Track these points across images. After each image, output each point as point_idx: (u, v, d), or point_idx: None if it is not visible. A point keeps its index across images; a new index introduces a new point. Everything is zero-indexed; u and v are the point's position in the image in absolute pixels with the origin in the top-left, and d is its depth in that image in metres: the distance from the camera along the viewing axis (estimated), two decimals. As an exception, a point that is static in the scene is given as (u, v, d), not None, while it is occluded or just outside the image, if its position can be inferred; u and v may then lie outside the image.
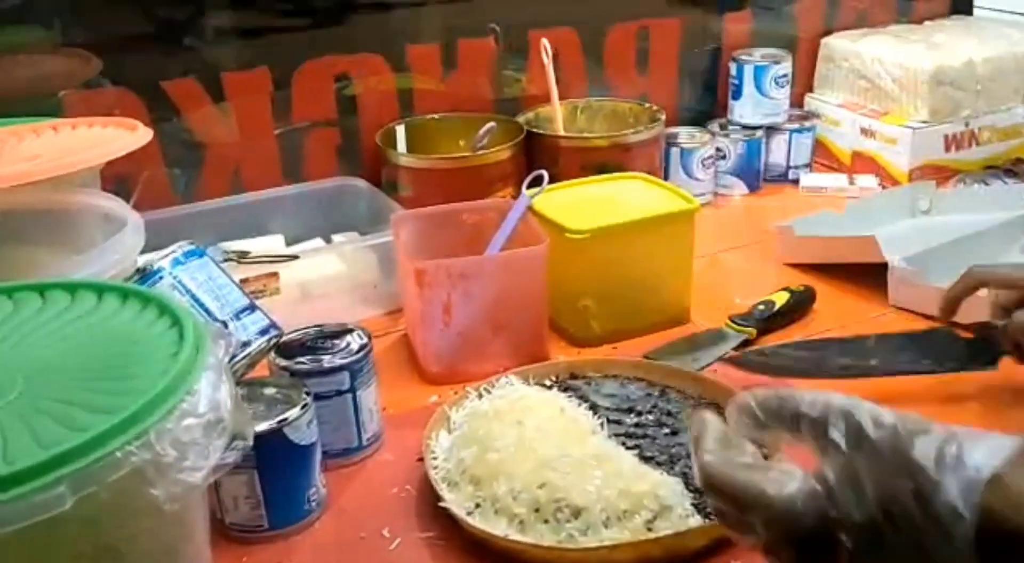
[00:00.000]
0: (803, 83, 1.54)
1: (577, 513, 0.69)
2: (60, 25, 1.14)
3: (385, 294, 1.08)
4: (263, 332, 0.80)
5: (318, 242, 1.18)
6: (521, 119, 1.29)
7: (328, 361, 0.80)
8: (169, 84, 1.17)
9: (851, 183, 1.41)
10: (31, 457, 0.45)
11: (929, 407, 0.85)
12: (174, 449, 0.49)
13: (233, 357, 0.74)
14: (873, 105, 1.46)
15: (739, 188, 1.42)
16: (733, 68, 1.43)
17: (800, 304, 1.06)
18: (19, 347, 0.57)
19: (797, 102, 1.52)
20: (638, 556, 0.69)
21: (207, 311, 0.77)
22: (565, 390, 0.87)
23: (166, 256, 0.78)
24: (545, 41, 1.29)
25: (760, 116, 1.42)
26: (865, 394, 0.47)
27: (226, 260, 1.00)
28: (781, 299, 1.05)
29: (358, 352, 0.81)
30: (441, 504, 0.73)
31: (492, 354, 0.95)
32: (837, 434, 0.45)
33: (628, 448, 0.78)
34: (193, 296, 0.77)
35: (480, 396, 0.85)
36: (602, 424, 0.80)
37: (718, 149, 1.39)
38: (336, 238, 1.18)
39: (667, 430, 0.82)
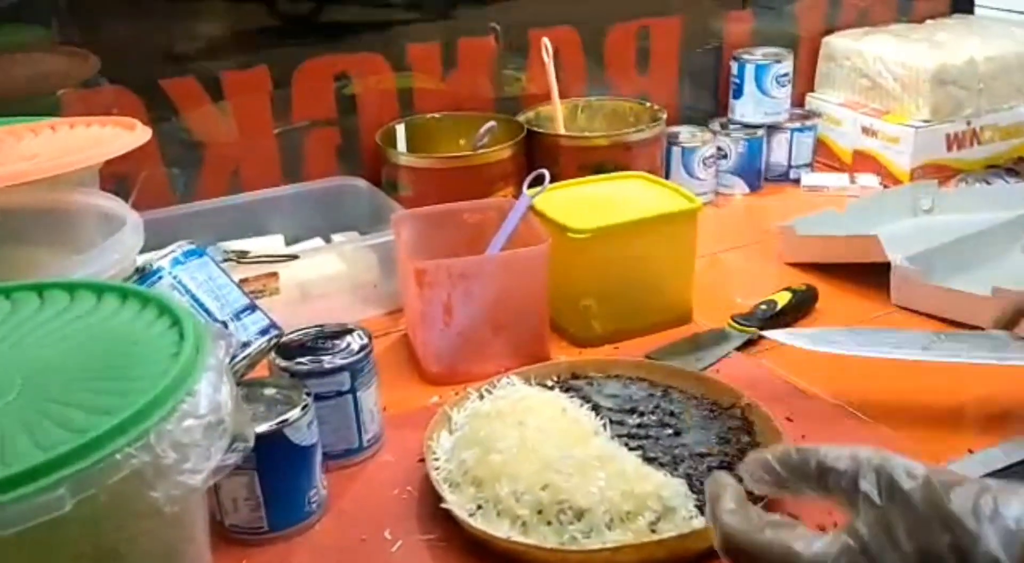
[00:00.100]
0: (804, 82, 1.54)
1: (580, 515, 0.69)
2: (58, 24, 1.14)
3: (385, 294, 1.08)
4: (263, 332, 0.79)
5: (318, 242, 1.17)
6: (521, 118, 1.29)
7: (328, 361, 0.79)
8: (168, 83, 1.16)
9: (852, 182, 1.41)
10: (30, 459, 0.44)
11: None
12: (174, 451, 0.48)
13: (233, 358, 0.73)
14: (874, 104, 1.46)
15: (740, 187, 1.42)
16: (734, 67, 1.43)
17: (802, 304, 1.06)
18: (17, 347, 0.56)
19: (798, 101, 1.52)
20: (641, 558, 0.68)
21: (207, 311, 0.76)
22: (567, 390, 0.86)
23: (165, 256, 0.78)
24: (546, 40, 1.29)
25: (761, 115, 1.42)
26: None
27: (225, 260, 0.99)
28: (783, 299, 1.04)
29: (359, 352, 0.80)
30: (443, 506, 0.72)
31: (493, 354, 0.94)
32: (868, 487, 0.44)
33: (631, 449, 0.77)
34: (193, 296, 0.77)
35: (481, 397, 0.84)
36: (604, 425, 0.80)
37: (719, 148, 1.38)
38: (336, 238, 1.18)
39: (670, 431, 0.81)
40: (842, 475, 0.45)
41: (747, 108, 1.43)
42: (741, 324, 1.01)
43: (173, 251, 0.78)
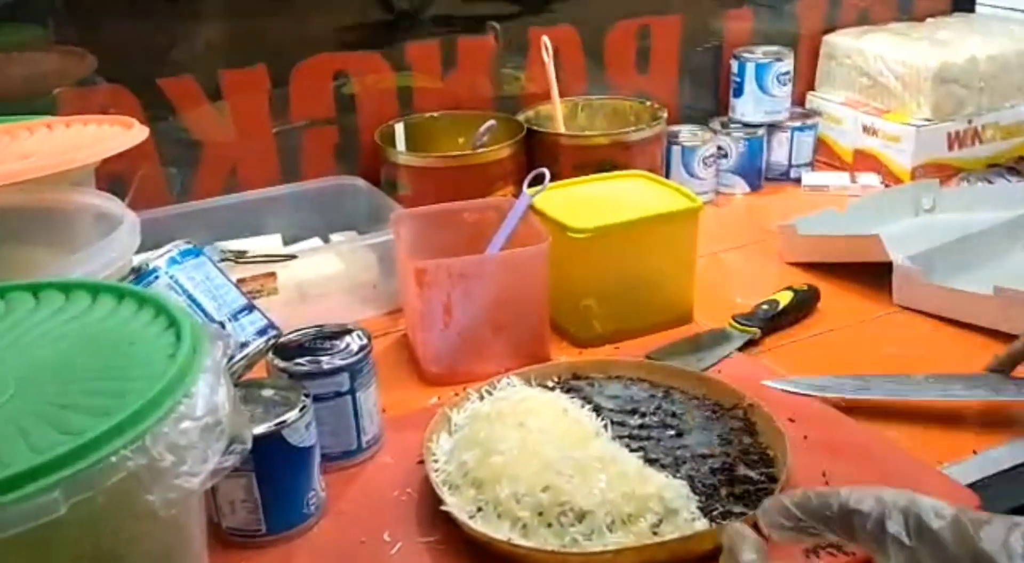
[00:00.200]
0: (805, 81, 1.53)
1: (581, 517, 0.68)
2: (54, 23, 1.13)
3: (384, 294, 1.07)
4: (261, 333, 0.78)
5: (316, 241, 1.16)
6: (521, 117, 1.28)
7: (327, 362, 0.78)
8: (165, 82, 1.16)
9: (853, 181, 1.40)
10: (24, 462, 0.44)
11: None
12: (171, 453, 0.47)
13: (231, 358, 0.72)
14: (875, 103, 1.45)
15: (740, 187, 1.41)
16: (735, 66, 1.43)
17: (804, 304, 1.05)
18: (12, 348, 0.56)
19: (799, 100, 1.51)
20: (643, 560, 0.68)
21: (204, 311, 0.76)
22: (567, 391, 0.86)
23: (162, 255, 0.77)
24: (546, 39, 1.28)
25: (762, 114, 1.42)
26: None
27: (223, 260, 0.98)
28: (785, 299, 1.04)
29: (357, 353, 0.80)
30: (443, 508, 0.72)
31: (493, 355, 0.93)
32: (897, 528, 0.44)
33: (632, 450, 0.77)
34: (190, 296, 0.76)
35: (481, 397, 0.84)
36: (606, 426, 0.79)
37: (719, 147, 1.38)
38: (335, 237, 1.17)
39: (672, 432, 0.81)
40: (867, 517, 0.45)
41: (747, 107, 1.42)
42: (742, 324, 1.01)
43: (170, 251, 0.78)
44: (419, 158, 1.20)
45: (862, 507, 0.45)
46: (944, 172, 1.39)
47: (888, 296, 1.07)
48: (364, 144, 1.27)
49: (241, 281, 0.92)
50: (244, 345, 0.77)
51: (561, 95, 1.30)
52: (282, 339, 0.81)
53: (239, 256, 1.02)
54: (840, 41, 1.52)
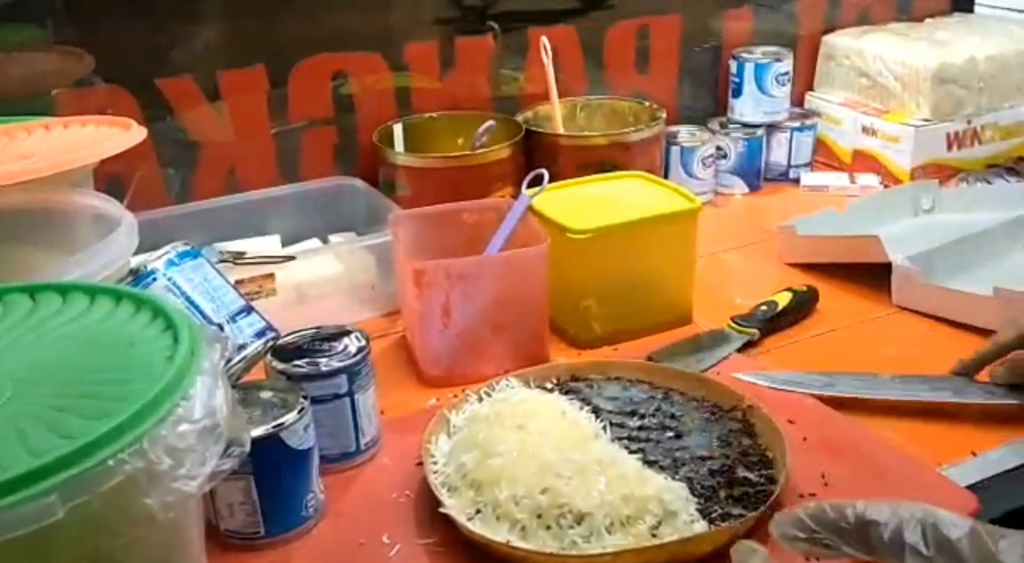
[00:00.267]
0: (804, 81, 1.53)
1: (580, 519, 0.68)
2: (53, 23, 1.13)
3: (383, 295, 1.07)
4: (259, 335, 0.78)
5: (315, 242, 1.16)
6: (520, 118, 1.28)
7: (325, 364, 0.78)
8: (163, 82, 1.15)
9: (852, 182, 1.40)
10: (21, 465, 0.43)
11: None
12: (168, 456, 0.47)
13: (229, 361, 0.72)
14: (875, 103, 1.45)
15: (739, 187, 1.41)
16: (734, 66, 1.42)
17: (803, 304, 1.05)
18: (9, 351, 0.55)
19: (798, 100, 1.51)
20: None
21: (202, 313, 0.76)
22: (566, 393, 0.86)
23: (160, 257, 0.77)
24: (544, 39, 1.28)
25: (761, 114, 1.41)
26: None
27: (221, 261, 0.98)
28: (784, 300, 1.04)
29: (356, 355, 0.79)
30: (441, 510, 0.71)
31: (492, 356, 0.93)
32: (915, 538, 0.44)
33: (631, 452, 0.76)
34: (188, 298, 0.76)
35: (480, 399, 0.84)
36: (605, 428, 0.79)
37: (718, 148, 1.38)
38: (333, 238, 1.17)
39: (671, 434, 0.80)
40: (884, 528, 0.45)
41: (746, 107, 1.42)
42: (741, 325, 1.01)
43: (168, 252, 0.77)
44: (418, 159, 1.19)
45: (879, 518, 0.45)
46: (943, 172, 1.38)
47: (887, 297, 1.07)
48: (363, 144, 1.27)
49: (239, 282, 0.92)
50: (242, 347, 0.76)
51: (560, 95, 1.30)
52: (280, 341, 0.81)
53: (237, 257, 1.02)
54: (839, 41, 1.51)
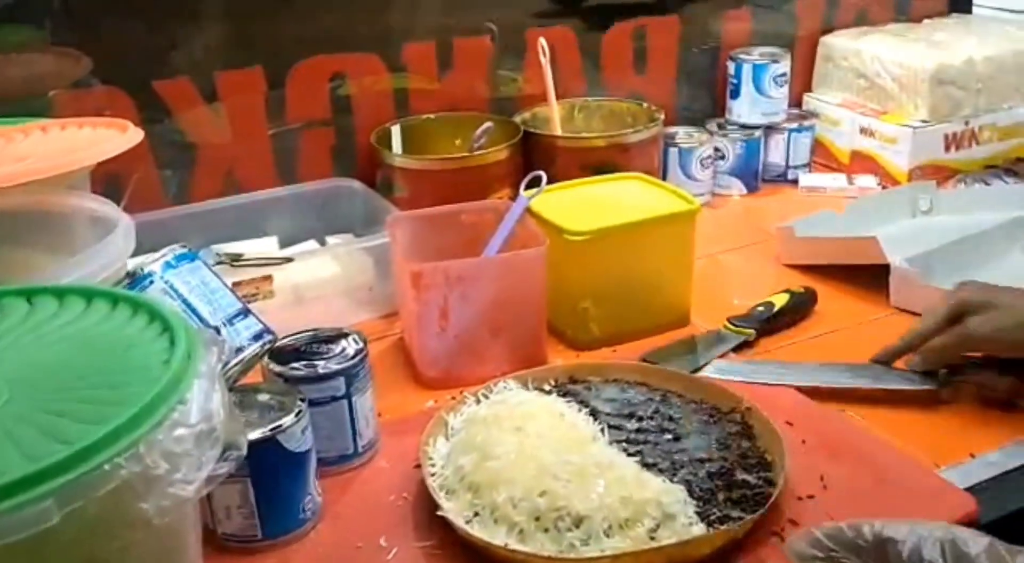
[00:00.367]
0: (802, 82, 1.53)
1: (578, 522, 0.68)
2: (51, 25, 1.13)
3: (381, 297, 1.07)
4: (256, 337, 0.78)
5: (312, 244, 1.16)
6: (518, 119, 1.28)
7: (323, 366, 0.78)
8: (161, 84, 1.15)
9: (850, 183, 1.40)
10: (16, 470, 0.43)
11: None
12: (165, 461, 0.47)
13: (226, 364, 0.72)
14: (872, 104, 1.45)
15: (737, 188, 1.41)
16: (731, 67, 1.42)
17: (801, 306, 1.05)
18: (5, 354, 0.55)
19: (796, 101, 1.51)
20: (640, 565, 0.67)
21: (199, 316, 0.75)
22: (564, 395, 0.86)
23: (157, 260, 0.77)
24: (542, 40, 1.28)
25: (759, 115, 1.41)
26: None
27: (219, 263, 0.98)
28: (781, 301, 1.04)
29: (354, 357, 0.79)
30: (439, 512, 0.71)
31: (490, 358, 0.93)
32: (934, 554, 0.45)
33: (629, 454, 0.76)
34: (185, 301, 0.75)
35: (478, 401, 0.83)
36: (603, 430, 0.79)
37: (717, 149, 1.38)
38: (331, 240, 1.17)
39: (669, 436, 0.80)
40: (903, 545, 0.46)
41: (744, 108, 1.42)
42: (737, 326, 1.00)
43: (165, 255, 0.77)
44: (416, 160, 1.19)
45: (897, 536, 0.46)
46: (941, 174, 1.38)
47: (885, 298, 1.07)
48: (360, 146, 1.27)
49: (237, 284, 0.92)
50: (239, 350, 0.76)
51: (558, 97, 1.30)
52: (278, 343, 0.80)
53: (235, 259, 1.02)
54: (837, 42, 1.51)
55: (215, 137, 1.20)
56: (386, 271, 1.05)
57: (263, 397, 0.74)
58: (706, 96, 1.51)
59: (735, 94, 1.42)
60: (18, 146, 0.89)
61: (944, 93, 1.39)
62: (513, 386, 0.85)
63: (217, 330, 0.75)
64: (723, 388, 0.86)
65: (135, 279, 0.75)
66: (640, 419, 0.82)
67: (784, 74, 1.41)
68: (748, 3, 1.50)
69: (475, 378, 0.89)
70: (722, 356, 0.97)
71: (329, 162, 1.26)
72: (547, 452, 0.73)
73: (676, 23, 1.45)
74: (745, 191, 1.41)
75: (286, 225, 1.17)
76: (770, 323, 1.01)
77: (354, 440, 0.81)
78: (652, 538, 0.68)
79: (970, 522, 0.72)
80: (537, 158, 1.20)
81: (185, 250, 0.79)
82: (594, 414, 0.82)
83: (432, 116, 1.30)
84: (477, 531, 0.69)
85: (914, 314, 1.04)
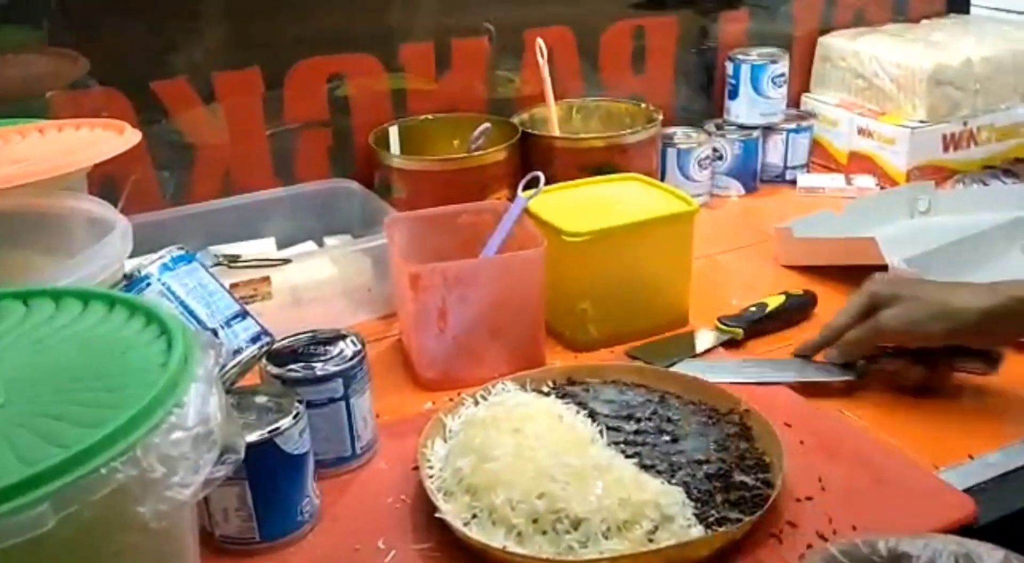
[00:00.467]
0: (800, 82, 1.53)
1: (577, 524, 0.68)
2: (49, 25, 1.12)
3: (379, 298, 1.06)
4: (254, 339, 0.78)
5: (310, 245, 1.16)
6: (516, 120, 1.28)
7: (321, 368, 0.78)
8: (158, 84, 1.15)
9: (849, 183, 1.40)
10: (12, 474, 0.43)
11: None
12: (161, 464, 0.47)
13: (223, 366, 0.72)
14: (870, 105, 1.45)
15: (736, 189, 1.41)
16: (730, 67, 1.42)
17: (799, 308, 1.05)
18: (1, 357, 0.55)
19: (794, 102, 1.51)
20: (639, 567, 0.67)
21: (197, 318, 0.75)
22: (563, 396, 0.85)
23: (154, 262, 0.77)
24: (540, 40, 1.28)
25: (757, 116, 1.41)
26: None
27: (216, 264, 0.98)
28: (775, 302, 1.04)
29: (351, 359, 0.79)
30: (437, 515, 0.71)
31: (488, 359, 0.93)
32: None
33: (628, 456, 0.76)
34: (182, 303, 0.75)
35: (476, 403, 0.83)
36: (601, 432, 0.79)
37: (715, 149, 1.38)
38: (329, 241, 1.17)
39: (667, 437, 0.80)
40: (918, 560, 0.46)
41: (743, 109, 1.42)
42: (728, 325, 1.01)
43: (162, 257, 0.77)
44: (413, 161, 1.19)
45: (912, 551, 0.46)
46: (939, 174, 1.38)
47: (884, 299, 1.06)
48: (358, 146, 1.26)
49: (235, 285, 0.92)
50: (237, 352, 0.76)
51: (556, 97, 1.30)
52: (275, 345, 0.80)
53: (232, 260, 1.02)
54: (835, 43, 1.51)
55: (213, 138, 1.20)
56: (384, 272, 1.04)
57: (261, 399, 0.74)
58: (704, 97, 1.51)
59: (733, 94, 1.42)
60: (15, 147, 0.89)
61: (942, 93, 1.38)
62: (511, 387, 0.85)
63: (215, 332, 0.75)
64: (721, 389, 0.86)
65: (132, 281, 0.75)
66: (638, 420, 0.82)
67: (782, 74, 1.41)
68: (746, 4, 1.50)
69: (473, 379, 0.89)
70: (704, 354, 0.97)
71: (327, 163, 1.26)
72: (545, 454, 0.72)
73: (674, 23, 1.45)
74: (743, 192, 1.41)
75: (284, 226, 1.17)
76: (761, 324, 1.01)
77: (352, 442, 0.81)
78: (650, 540, 0.67)
79: (968, 524, 0.72)
80: (535, 159, 1.20)
81: (182, 252, 0.79)
82: (592, 416, 0.82)
83: (430, 117, 1.30)
84: (475, 533, 0.69)
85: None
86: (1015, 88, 1.45)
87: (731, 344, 1.00)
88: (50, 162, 0.81)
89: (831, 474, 0.77)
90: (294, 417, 0.72)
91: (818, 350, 0.94)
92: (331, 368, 0.78)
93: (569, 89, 1.37)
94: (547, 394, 0.86)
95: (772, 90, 1.40)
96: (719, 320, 1.02)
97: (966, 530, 0.72)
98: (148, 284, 0.75)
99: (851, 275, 1.09)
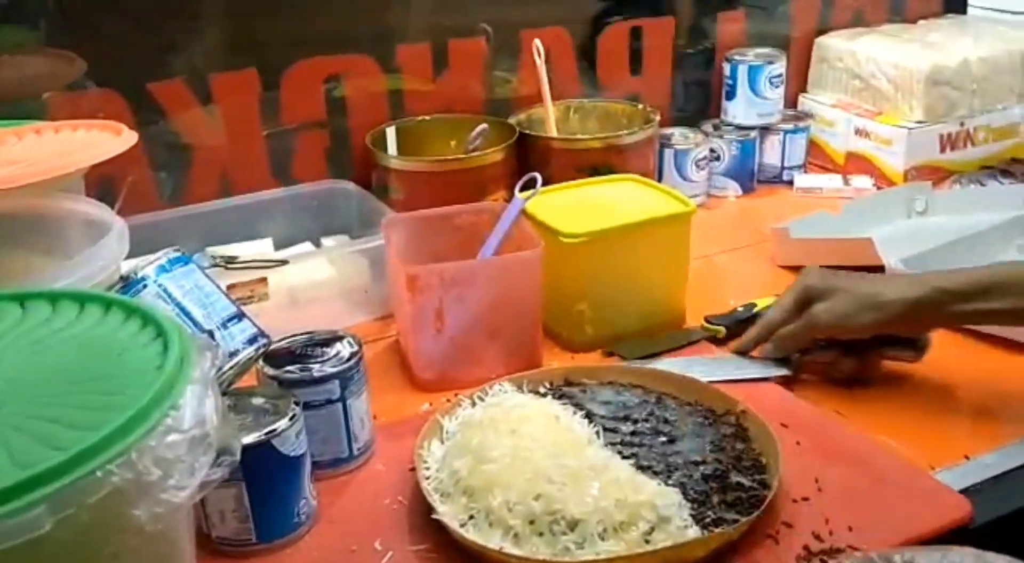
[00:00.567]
0: (797, 83, 1.53)
1: (573, 525, 0.68)
2: (47, 26, 1.12)
3: (376, 299, 1.06)
4: (251, 341, 0.78)
5: (307, 246, 1.16)
6: (513, 120, 1.28)
7: (318, 370, 0.78)
8: (155, 86, 1.15)
9: (846, 184, 1.40)
10: (7, 477, 0.43)
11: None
12: (157, 467, 0.47)
13: (220, 368, 0.72)
14: (867, 105, 1.45)
15: (733, 189, 1.41)
16: (727, 68, 1.42)
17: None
18: (-2, 359, 0.55)
19: (791, 102, 1.51)
20: (636, 569, 0.67)
21: (193, 320, 0.75)
22: (560, 397, 0.85)
23: (151, 263, 0.76)
24: (537, 41, 1.28)
25: (754, 116, 1.42)
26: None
27: (213, 265, 0.98)
28: (764, 303, 1.03)
29: (348, 360, 0.79)
30: (434, 516, 0.71)
31: (485, 360, 0.93)
32: None
33: (624, 457, 0.76)
34: (179, 305, 0.75)
35: (473, 404, 0.83)
36: (598, 433, 0.79)
37: (712, 150, 1.38)
38: (326, 242, 1.17)
39: (664, 438, 0.80)
40: None
41: (740, 109, 1.42)
42: (713, 324, 1.01)
43: (158, 259, 0.77)
44: (411, 162, 1.19)
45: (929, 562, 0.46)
46: (936, 174, 1.39)
47: (881, 300, 1.06)
48: (355, 147, 1.26)
49: (232, 287, 0.92)
50: (233, 354, 0.76)
51: (553, 98, 1.30)
52: (272, 346, 0.80)
53: (230, 261, 1.01)
54: (832, 43, 1.51)
55: (210, 139, 1.20)
56: (381, 273, 1.05)
57: (257, 401, 0.74)
58: (701, 97, 1.51)
59: (730, 95, 1.42)
60: (12, 149, 0.89)
61: (939, 94, 1.39)
62: (508, 389, 0.85)
63: (211, 334, 0.75)
64: (718, 390, 0.86)
65: (129, 283, 0.75)
66: (635, 422, 0.82)
67: (779, 75, 1.41)
68: (743, 4, 1.50)
69: (471, 380, 0.89)
70: (680, 349, 0.98)
71: (324, 164, 1.26)
72: (542, 455, 0.73)
73: (671, 24, 1.45)
74: (740, 192, 1.41)
75: (281, 227, 1.16)
76: (747, 324, 1.01)
77: (349, 443, 0.81)
78: (647, 541, 0.68)
79: (964, 524, 0.73)
80: (532, 160, 1.20)
81: (179, 253, 0.79)
82: (589, 417, 0.82)
83: (427, 118, 1.30)
84: (472, 535, 0.69)
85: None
86: (1012, 88, 1.45)
87: (715, 342, 1.00)
88: (47, 163, 0.81)
89: (827, 475, 0.78)
90: (291, 419, 0.72)
91: (755, 346, 0.95)
92: (328, 369, 0.78)
93: (566, 90, 1.37)
94: (544, 395, 0.86)
95: (769, 91, 1.40)
96: (705, 319, 1.02)
97: (962, 531, 0.72)
98: (144, 286, 0.75)
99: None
